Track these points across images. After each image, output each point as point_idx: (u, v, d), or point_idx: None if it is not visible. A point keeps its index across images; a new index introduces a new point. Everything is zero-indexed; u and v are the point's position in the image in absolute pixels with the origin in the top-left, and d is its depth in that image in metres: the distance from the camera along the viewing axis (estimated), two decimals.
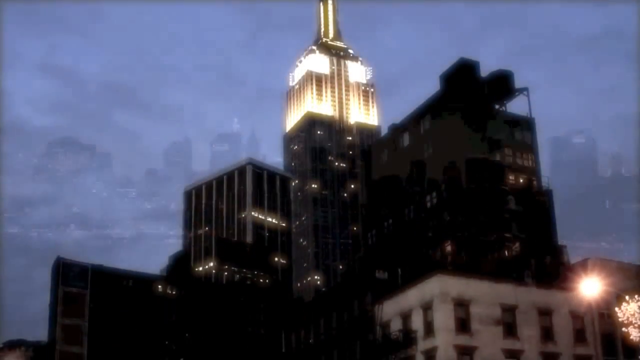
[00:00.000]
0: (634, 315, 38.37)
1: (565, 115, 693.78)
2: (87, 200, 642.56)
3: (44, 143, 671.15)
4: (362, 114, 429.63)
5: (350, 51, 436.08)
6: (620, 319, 39.26)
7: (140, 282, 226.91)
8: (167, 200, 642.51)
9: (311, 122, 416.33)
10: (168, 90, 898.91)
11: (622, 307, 38.65)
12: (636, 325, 38.40)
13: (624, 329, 39.62)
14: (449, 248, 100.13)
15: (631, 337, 38.91)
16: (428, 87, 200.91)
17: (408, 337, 71.24)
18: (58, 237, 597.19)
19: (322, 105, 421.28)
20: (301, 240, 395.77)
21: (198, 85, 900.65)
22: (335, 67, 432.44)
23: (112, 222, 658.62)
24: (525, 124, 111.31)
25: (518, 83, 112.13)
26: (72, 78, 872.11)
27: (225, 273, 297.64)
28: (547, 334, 72.90)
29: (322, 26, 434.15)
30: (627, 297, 38.82)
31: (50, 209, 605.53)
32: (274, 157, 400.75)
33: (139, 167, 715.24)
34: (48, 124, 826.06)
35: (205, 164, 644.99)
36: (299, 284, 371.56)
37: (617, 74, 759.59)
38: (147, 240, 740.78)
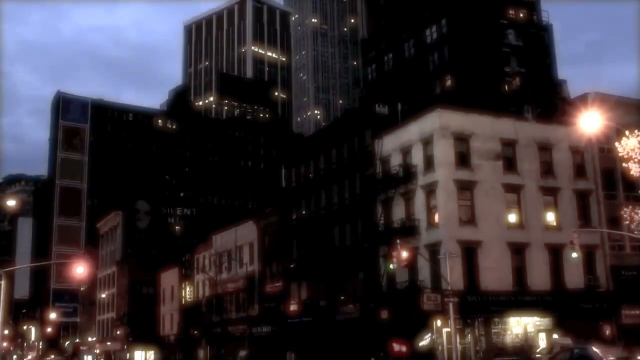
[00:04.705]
0: (633, 150, 38.05)
1: None
2: None
3: None
4: None
5: None
6: (620, 154, 38.98)
7: (141, 116, 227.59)
8: None
9: None
10: None
11: (622, 142, 38.27)
12: (636, 160, 38.14)
13: (624, 164, 39.43)
14: (448, 82, 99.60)
15: (631, 172, 38.73)
16: None
17: (408, 172, 71.43)
18: None
19: None
20: (301, 75, 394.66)
21: None
22: None
23: None
24: None
25: None
26: None
27: (225, 107, 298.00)
28: (547, 168, 73.07)
29: None
30: (627, 132, 38.42)
31: None
32: None
33: None
34: None
35: None
36: (298, 119, 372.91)
37: None
38: None
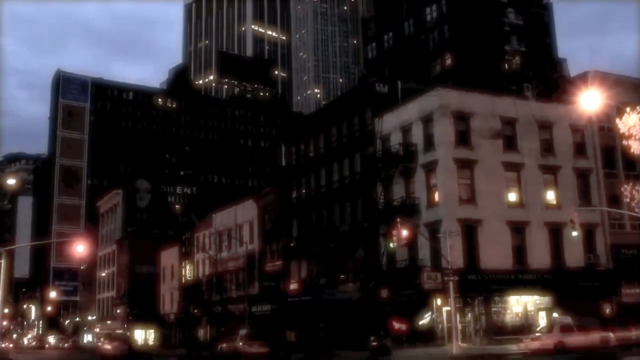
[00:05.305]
0: (634, 127, 37.93)
1: None
2: None
3: None
4: None
5: None
6: (620, 132, 38.86)
7: (141, 95, 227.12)
8: None
9: None
10: None
11: (622, 120, 38.15)
12: (636, 137, 38.02)
13: (624, 141, 39.29)
14: (449, 61, 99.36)
15: (631, 150, 38.63)
16: None
17: (408, 151, 71.31)
18: None
19: None
20: (301, 53, 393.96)
21: None
22: None
23: None
24: None
25: None
26: None
27: (226, 86, 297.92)
28: (547, 147, 72.95)
29: None
30: (627, 110, 38.29)
31: None
32: None
33: None
34: None
35: None
36: (298, 98, 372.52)
37: None
38: None
